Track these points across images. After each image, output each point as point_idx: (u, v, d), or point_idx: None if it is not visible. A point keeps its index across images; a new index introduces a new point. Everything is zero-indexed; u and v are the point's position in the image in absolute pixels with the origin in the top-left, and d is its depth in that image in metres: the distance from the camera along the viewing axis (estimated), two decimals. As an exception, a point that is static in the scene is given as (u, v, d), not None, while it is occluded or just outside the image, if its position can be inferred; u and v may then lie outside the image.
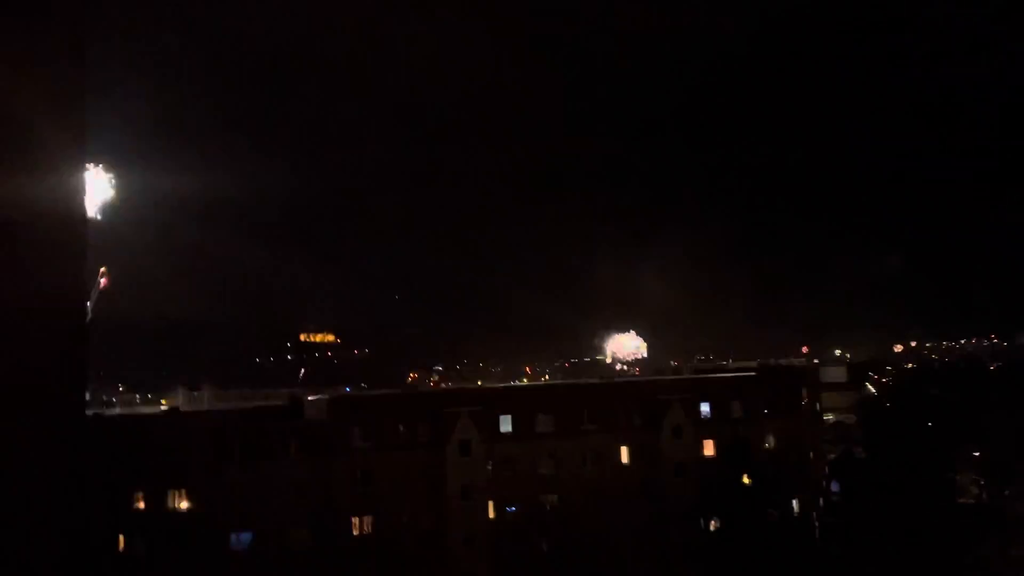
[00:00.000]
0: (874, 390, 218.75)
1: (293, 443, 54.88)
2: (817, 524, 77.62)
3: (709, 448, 65.46)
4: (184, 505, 53.70)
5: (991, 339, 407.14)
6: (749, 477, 59.69)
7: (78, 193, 48.90)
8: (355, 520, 54.80)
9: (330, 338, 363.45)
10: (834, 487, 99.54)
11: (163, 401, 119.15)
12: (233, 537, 52.82)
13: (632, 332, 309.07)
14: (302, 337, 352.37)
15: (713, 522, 61.20)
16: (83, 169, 51.52)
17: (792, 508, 66.96)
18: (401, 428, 57.45)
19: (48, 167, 43.22)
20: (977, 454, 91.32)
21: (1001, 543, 67.75)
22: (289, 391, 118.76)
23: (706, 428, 65.95)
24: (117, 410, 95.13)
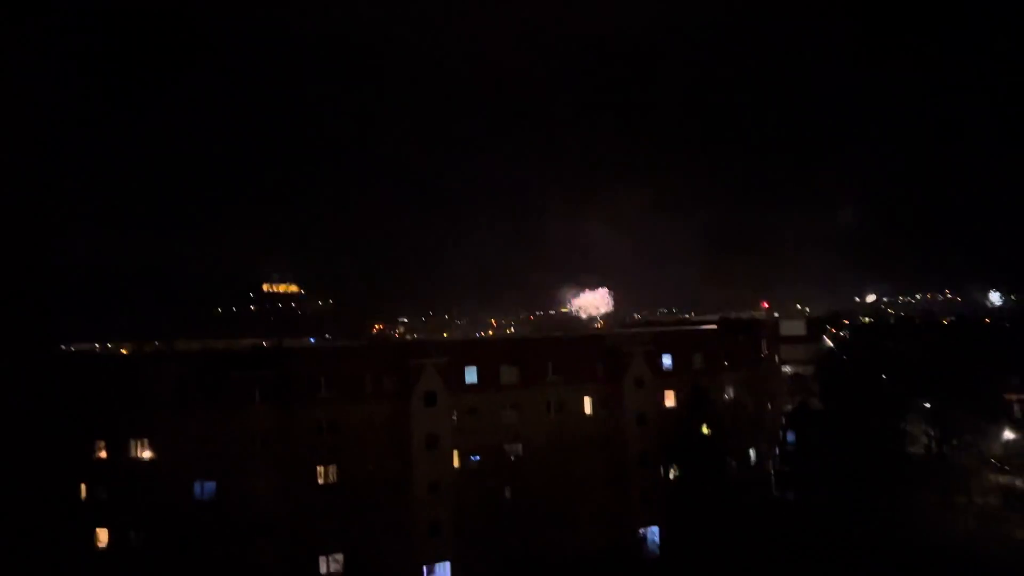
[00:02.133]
0: (831, 343, 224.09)
1: (258, 392, 54.74)
2: (773, 473, 79.96)
3: (670, 399, 66.74)
4: (146, 454, 53.58)
5: (946, 294, 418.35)
6: (708, 427, 61.07)
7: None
8: (320, 469, 55.14)
9: (293, 288, 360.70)
10: (790, 437, 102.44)
11: (123, 349, 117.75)
12: (196, 486, 52.94)
13: (596, 285, 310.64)
14: (265, 287, 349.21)
15: (672, 470, 62.67)
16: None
17: (749, 457, 68.79)
18: (366, 379, 57.55)
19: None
20: (928, 406, 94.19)
21: (946, 491, 70.50)
22: (253, 341, 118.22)
23: (668, 380, 67.10)
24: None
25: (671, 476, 63.10)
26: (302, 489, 53.97)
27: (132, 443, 53.58)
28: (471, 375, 61.23)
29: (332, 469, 55.37)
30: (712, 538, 50.16)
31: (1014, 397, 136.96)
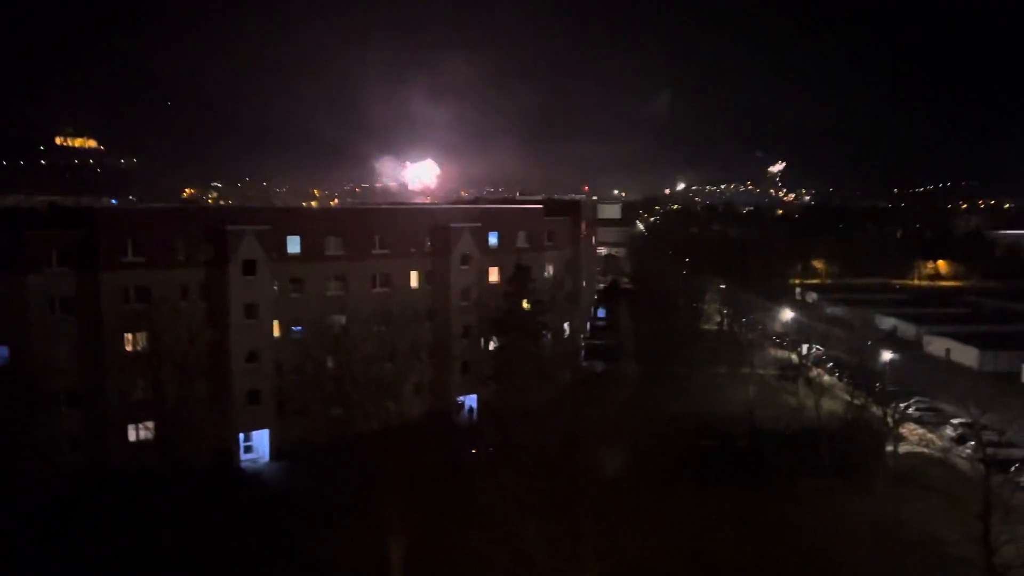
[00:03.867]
0: (643, 228, 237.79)
1: (55, 254, 50.49)
2: (583, 345, 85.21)
3: (494, 275, 68.49)
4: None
5: (747, 186, 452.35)
6: (528, 302, 63.50)
7: None
8: (128, 336, 52.35)
9: (91, 144, 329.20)
10: (601, 313, 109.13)
11: None
12: (-13, 352, 48.88)
13: (425, 160, 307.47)
14: (58, 141, 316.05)
15: (492, 342, 65.10)
16: None
17: (564, 330, 72.60)
18: (179, 244, 54.48)
19: None
20: (723, 287, 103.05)
21: (734, 363, 78.36)
22: (46, 198, 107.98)
23: (492, 256, 68.65)
24: None
25: (491, 348, 65.57)
26: (109, 356, 51.18)
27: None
28: (294, 245, 59.56)
29: (142, 336, 52.70)
30: (524, 404, 53.04)
31: (797, 282, 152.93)
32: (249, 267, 55.91)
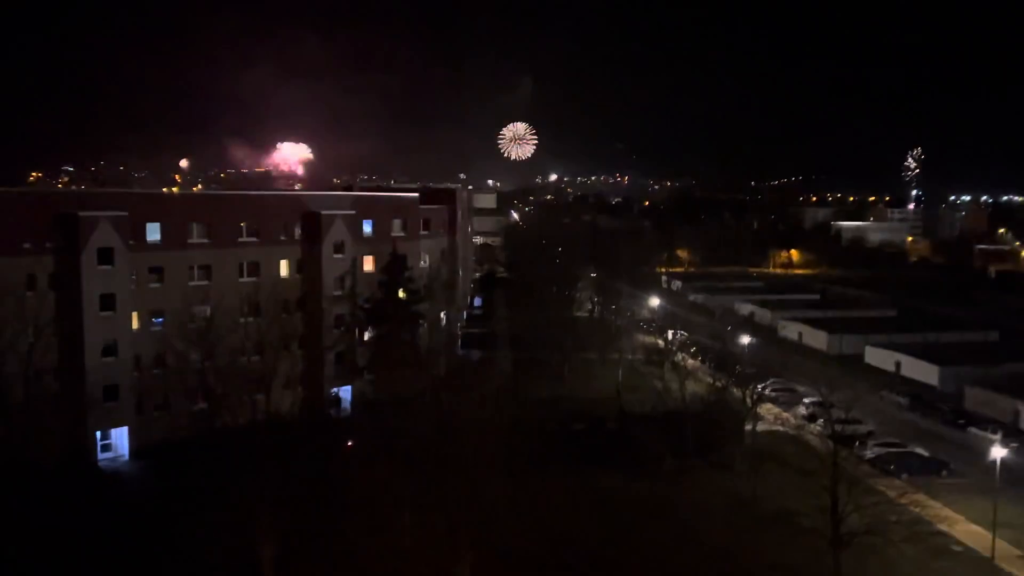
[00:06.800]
0: (518, 217, 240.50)
1: None
2: (459, 333, 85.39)
3: (369, 264, 67.48)
4: None
5: (616, 178, 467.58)
6: (404, 292, 62.98)
7: None
8: (-33, 329, 48.20)
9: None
10: (477, 302, 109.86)
11: None
12: None
13: (296, 144, 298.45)
14: None
15: (367, 332, 64.19)
16: None
17: (440, 319, 72.46)
18: (24, 230, 50.55)
19: None
20: (593, 275, 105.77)
21: (604, 348, 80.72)
22: None
23: (367, 245, 67.60)
24: None
25: (366, 338, 64.63)
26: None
27: None
28: (154, 232, 56.56)
29: (-17, 330, 48.69)
30: (399, 395, 52.55)
31: (662, 270, 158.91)
32: (105, 256, 52.64)
